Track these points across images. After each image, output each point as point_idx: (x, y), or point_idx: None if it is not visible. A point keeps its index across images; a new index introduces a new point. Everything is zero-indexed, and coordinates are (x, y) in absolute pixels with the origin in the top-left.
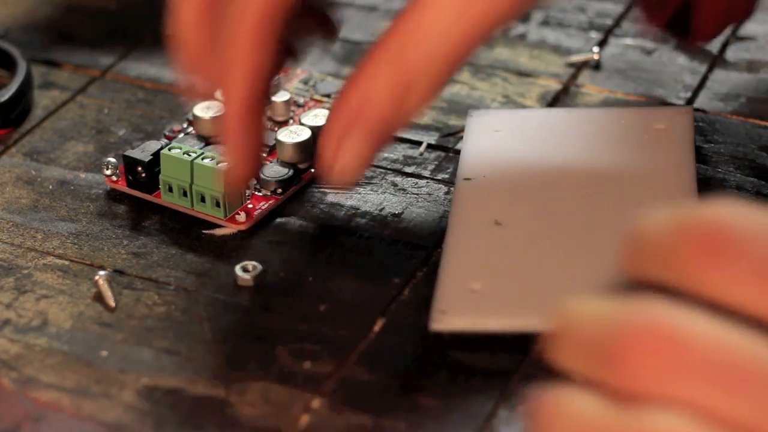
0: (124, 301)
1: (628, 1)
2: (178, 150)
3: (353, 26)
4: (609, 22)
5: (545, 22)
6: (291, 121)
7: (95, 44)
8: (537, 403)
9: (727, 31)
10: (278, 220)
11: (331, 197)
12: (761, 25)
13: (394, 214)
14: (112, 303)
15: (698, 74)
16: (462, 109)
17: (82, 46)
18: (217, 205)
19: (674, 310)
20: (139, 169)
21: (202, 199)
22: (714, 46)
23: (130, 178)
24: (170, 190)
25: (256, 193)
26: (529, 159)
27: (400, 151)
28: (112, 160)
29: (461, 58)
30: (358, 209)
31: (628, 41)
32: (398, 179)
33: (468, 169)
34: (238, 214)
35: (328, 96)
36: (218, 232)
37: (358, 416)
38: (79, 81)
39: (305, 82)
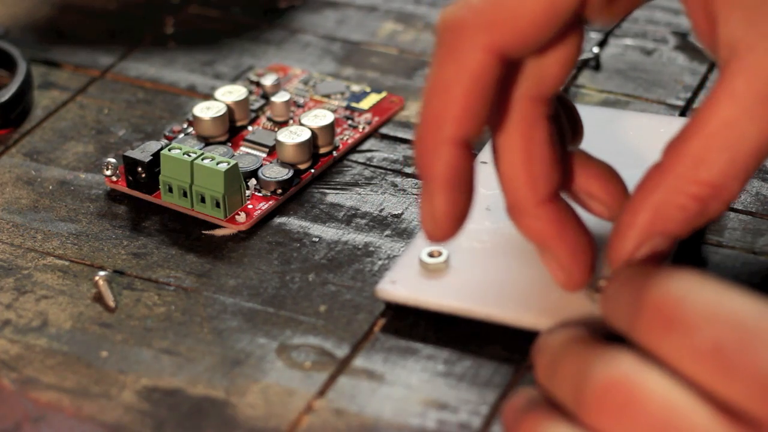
0: (124, 302)
1: None
2: (178, 150)
3: (353, 26)
4: None
5: None
6: (291, 122)
7: (95, 44)
8: (506, 410)
9: None
10: (278, 220)
11: (330, 197)
12: None
13: (394, 214)
14: (112, 303)
15: (698, 74)
16: None
17: (82, 46)
18: (217, 205)
19: (640, 367)
20: (139, 169)
21: (202, 200)
22: None
23: (130, 178)
24: (170, 190)
25: (256, 193)
26: None
27: (400, 152)
28: (112, 160)
29: (764, 155)
30: (358, 209)
31: (628, 41)
32: (398, 179)
33: (489, 153)
34: (238, 214)
35: (327, 96)
36: (218, 232)
37: (357, 416)
38: (79, 81)
39: (305, 82)
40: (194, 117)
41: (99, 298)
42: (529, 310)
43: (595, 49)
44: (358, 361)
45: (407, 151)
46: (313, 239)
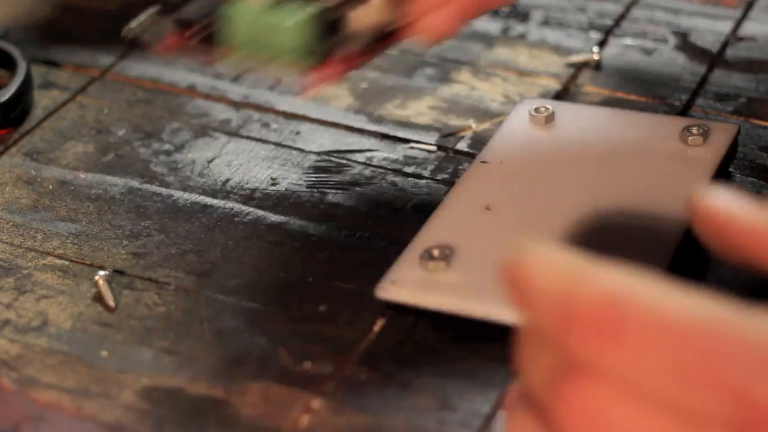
0: (124, 302)
1: (628, 2)
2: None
3: None
4: (609, 22)
5: (545, 22)
6: None
7: (95, 44)
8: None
9: (727, 32)
10: (278, 219)
11: (330, 197)
12: (761, 26)
13: (393, 214)
14: (112, 303)
15: (698, 74)
16: (462, 109)
17: (82, 46)
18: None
19: (624, 279)
20: (197, 28)
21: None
22: (714, 46)
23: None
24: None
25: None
26: (552, 153)
27: (400, 152)
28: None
29: None
30: (358, 209)
31: (628, 41)
32: (398, 179)
33: (489, 152)
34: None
35: None
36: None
37: (357, 416)
38: (79, 81)
39: None
40: None
41: (99, 298)
42: None
43: (595, 49)
44: (359, 361)
45: (407, 151)
46: (313, 239)
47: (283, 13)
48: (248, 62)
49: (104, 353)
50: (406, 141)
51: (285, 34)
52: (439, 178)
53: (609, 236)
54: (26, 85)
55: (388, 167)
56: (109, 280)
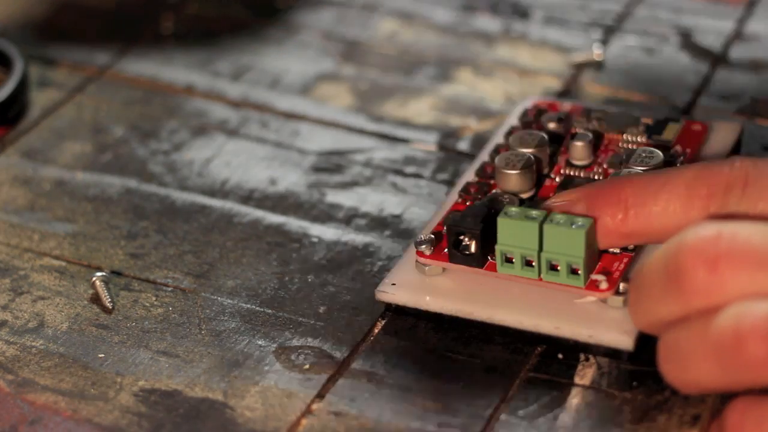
0: (121, 303)
1: (631, 0)
2: (517, 212)
3: (353, 25)
4: (611, 21)
5: (547, 21)
6: (594, 165)
7: (93, 43)
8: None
9: (730, 30)
10: (277, 220)
11: (330, 197)
12: (765, 25)
13: (394, 215)
14: (109, 304)
15: (701, 74)
16: (462, 109)
17: (79, 44)
18: (574, 272)
19: (722, 223)
20: (466, 239)
21: (552, 268)
22: (717, 45)
23: (454, 251)
24: (507, 260)
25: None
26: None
27: (400, 152)
28: (431, 236)
29: None
30: (358, 209)
31: (631, 40)
32: (398, 179)
33: (488, 152)
34: (597, 280)
35: (622, 131)
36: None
37: (357, 419)
38: (76, 80)
39: (586, 117)
40: (497, 171)
41: (96, 299)
42: (531, 312)
43: (598, 49)
44: (358, 363)
45: (407, 151)
46: (313, 239)
47: (562, 220)
48: (521, 275)
49: (101, 355)
50: (406, 141)
51: (574, 240)
52: (439, 178)
53: None
54: (23, 84)
55: (388, 167)
56: (106, 281)
